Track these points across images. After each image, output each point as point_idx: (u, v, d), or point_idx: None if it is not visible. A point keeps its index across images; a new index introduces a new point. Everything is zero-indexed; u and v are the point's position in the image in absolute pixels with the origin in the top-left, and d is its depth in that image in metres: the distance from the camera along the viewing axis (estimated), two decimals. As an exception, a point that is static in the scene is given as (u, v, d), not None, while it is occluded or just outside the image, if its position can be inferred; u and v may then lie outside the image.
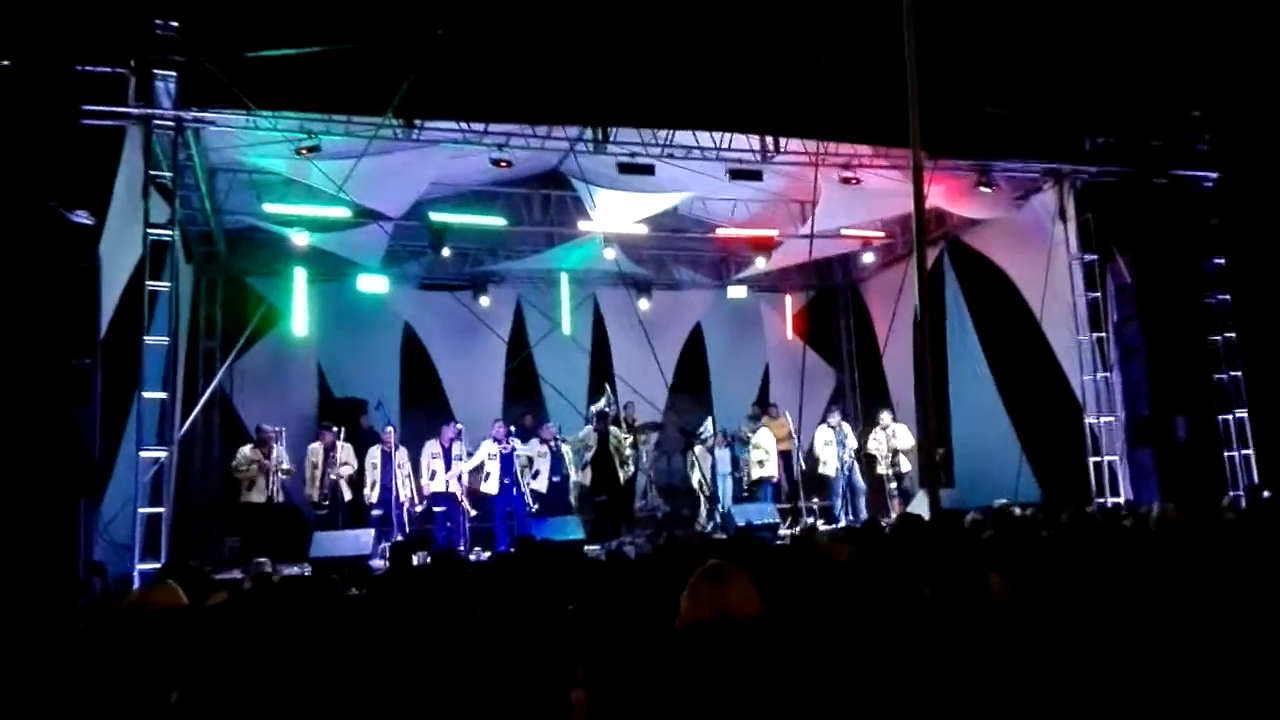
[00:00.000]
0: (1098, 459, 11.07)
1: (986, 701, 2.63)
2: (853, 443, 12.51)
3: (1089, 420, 11.15)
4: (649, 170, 10.13)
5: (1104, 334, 11.22)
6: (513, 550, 7.77)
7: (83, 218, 8.13)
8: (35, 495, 7.78)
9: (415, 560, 7.81)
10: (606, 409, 12.08)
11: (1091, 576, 3.71)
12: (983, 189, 10.94)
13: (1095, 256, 11.28)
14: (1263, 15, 10.22)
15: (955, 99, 9.79)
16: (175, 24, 8.16)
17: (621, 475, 11.83)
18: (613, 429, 11.88)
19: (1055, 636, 3.04)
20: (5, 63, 7.99)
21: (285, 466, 10.62)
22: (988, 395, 12.66)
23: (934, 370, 9.90)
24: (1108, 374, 11.17)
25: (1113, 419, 11.11)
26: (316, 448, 10.93)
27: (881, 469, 12.46)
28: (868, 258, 13.88)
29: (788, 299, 15.10)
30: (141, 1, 8.17)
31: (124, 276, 8.47)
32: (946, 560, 3.99)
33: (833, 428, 12.57)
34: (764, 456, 12.39)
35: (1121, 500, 10.75)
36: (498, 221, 11.85)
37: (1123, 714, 2.71)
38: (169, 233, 8.66)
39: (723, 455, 12.52)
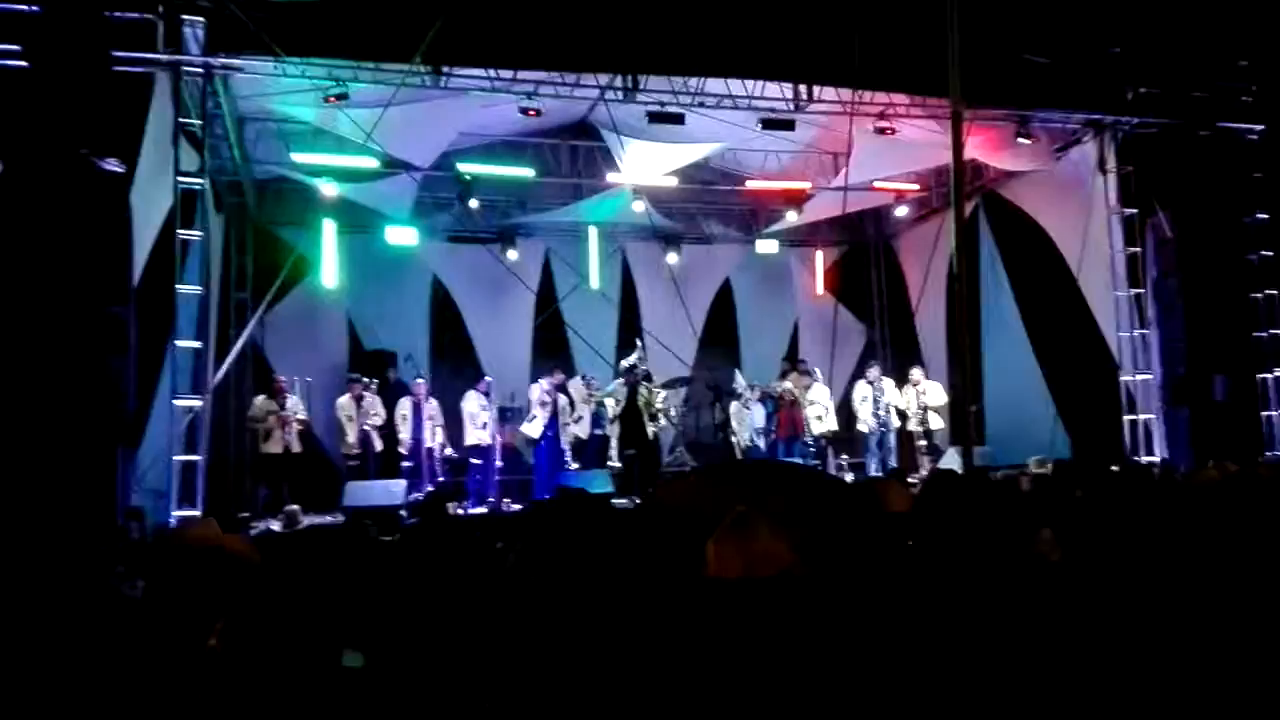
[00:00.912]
0: (1133, 417, 10.92)
1: (1043, 665, 2.57)
2: (891, 399, 12.33)
3: (1125, 378, 10.99)
4: (679, 119, 9.97)
5: (1142, 290, 11.01)
6: (550, 500, 7.81)
7: (113, 165, 8.11)
8: (73, 442, 7.87)
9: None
10: (636, 364, 12.03)
11: (1138, 533, 3.63)
12: (1021, 140, 10.69)
13: (1135, 211, 11.01)
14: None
15: (994, 47, 9.52)
16: (204, -32, 8.07)
17: (650, 430, 11.82)
18: (643, 384, 11.84)
19: (1107, 595, 2.98)
20: (35, 8, 7.94)
21: (300, 416, 10.63)
22: (1021, 352, 12.49)
23: (969, 326, 9.79)
24: (1145, 331, 10.98)
25: (1149, 376, 10.93)
26: (346, 400, 10.98)
27: (912, 425, 12.34)
28: (901, 211, 13.66)
29: (819, 254, 14.94)
30: (169, -55, 8.08)
31: (156, 225, 8.47)
32: (987, 516, 3.92)
33: (870, 383, 12.41)
34: (821, 412, 12.28)
35: (1156, 459, 10.62)
36: (526, 172, 11.75)
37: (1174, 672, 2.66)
38: (199, 181, 8.63)
39: (758, 410, 12.45)
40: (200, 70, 8.43)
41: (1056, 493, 5.15)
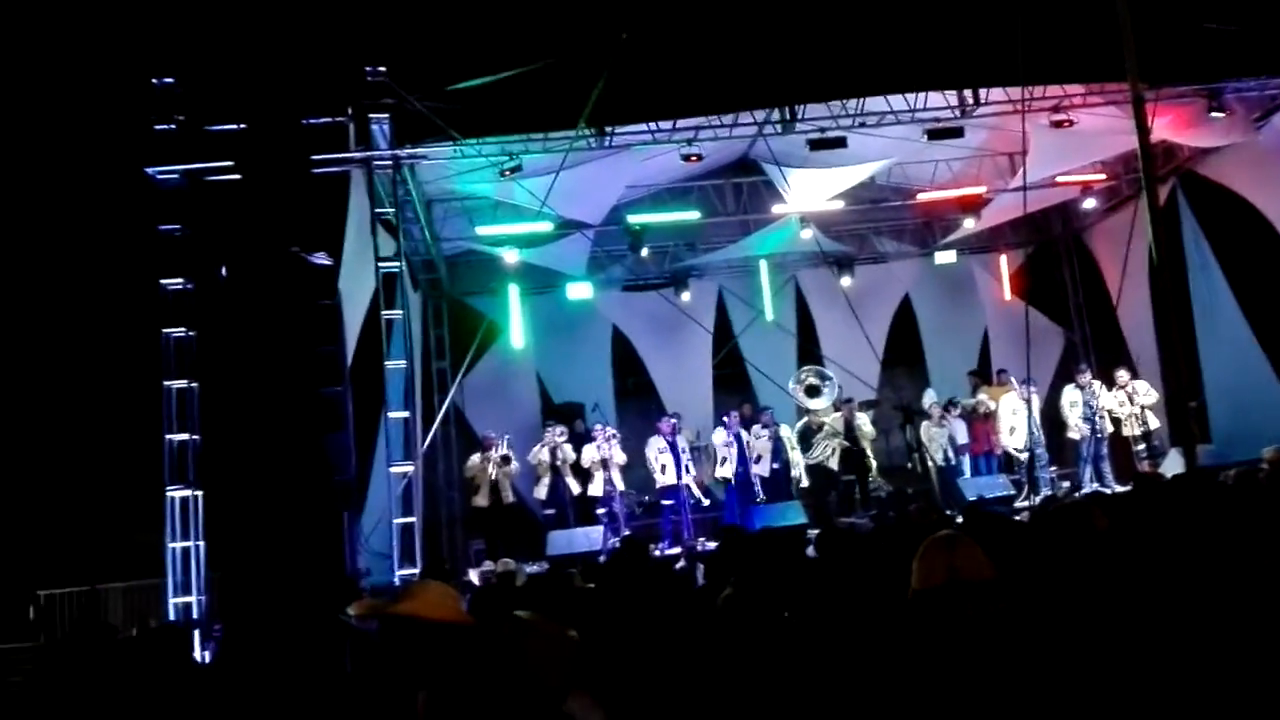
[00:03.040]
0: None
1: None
2: (1104, 403, 11.42)
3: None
4: (841, 143, 9.88)
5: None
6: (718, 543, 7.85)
7: (322, 259, 8.94)
8: (302, 515, 8.63)
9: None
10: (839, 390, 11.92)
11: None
12: (1214, 114, 9.93)
13: (1359, 171, 10.02)
14: None
15: (1171, 20, 8.96)
16: (383, 69, 8.78)
17: (868, 458, 11.70)
18: (859, 413, 11.74)
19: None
20: (241, 125, 8.89)
21: (500, 458, 10.89)
22: (1242, 339, 11.47)
23: (1178, 317, 9.10)
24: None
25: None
26: (539, 448, 11.36)
27: (1127, 430, 11.49)
28: (1089, 204, 12.91)
29: (1003, 258, 14.32)
30: (351, 52, 8.86)
31: (362, 308, 9.22)
32: (1213, 524, 3.66)
33: (1081, 388, 11.53)
34: (1014, 424, 11.67)
35: None
36: (693, 215, 11.94)
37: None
38: (396, 264, 9.32)
39: (959, 427, 12.01)
40: (389, 162, 9.14)
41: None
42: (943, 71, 9.58)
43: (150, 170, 8.82)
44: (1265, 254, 10.81)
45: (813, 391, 11.80)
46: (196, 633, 8.03)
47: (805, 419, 11.88)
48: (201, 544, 8.78)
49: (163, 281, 8.95)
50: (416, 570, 8.61)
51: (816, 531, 9.30)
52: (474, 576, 9.54)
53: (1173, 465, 9.96)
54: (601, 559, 9.45)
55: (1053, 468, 12.01)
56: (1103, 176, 12.13)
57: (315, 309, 8.64)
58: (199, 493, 8.84)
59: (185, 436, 8.86)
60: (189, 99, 8.74)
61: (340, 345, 8.77)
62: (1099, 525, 3.07)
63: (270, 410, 9.67)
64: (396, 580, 8.60)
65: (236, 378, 9.48)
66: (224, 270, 9.13)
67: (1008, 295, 14.11)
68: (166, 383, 8.86)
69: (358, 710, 2.78)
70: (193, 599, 8.68)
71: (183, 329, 8.93)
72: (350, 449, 9.07)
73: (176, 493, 8.76)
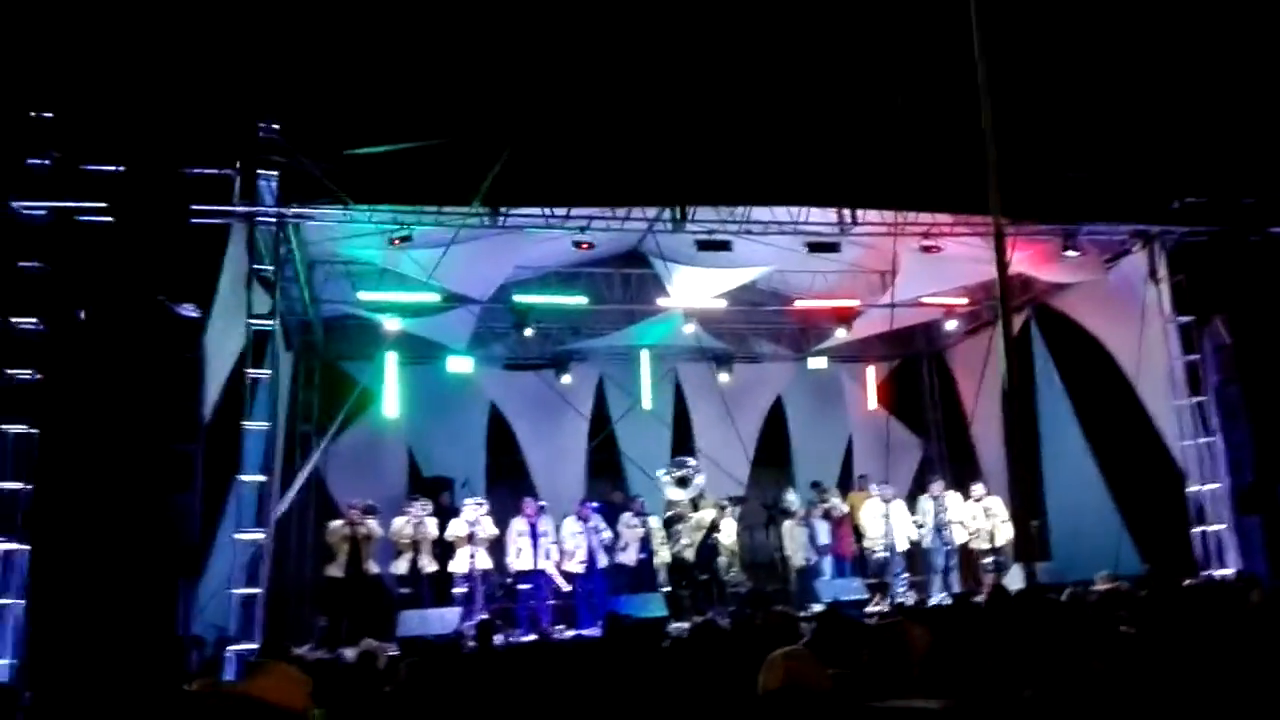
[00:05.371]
0: (1202, 529, 10.58)
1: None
2: (954, 515, 12.09)
3: (1191, 488, 10.70)
4: (726, 246, 10.25)
5: (1204, 398, 10.81)
6: (602, 630, 7.77)
7: (189, 310, 8.60)
8: (136, 573, 8.10)
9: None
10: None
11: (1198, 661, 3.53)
12: (1069, 253, 10.75)
13: (1191, 318, 10.94)
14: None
15: (1035, 164, 9.73)
16: (276, 126, 8.67)
17: (722, 555, 11.80)
18: (727, 515, 11.87)
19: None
20: (119, 167, 8.59)
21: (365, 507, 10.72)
22: (1084, 464, 12.24)
23: (1025, 439, 9.67)
24: (1210, 439, 10.72)
25: (1217, 486, 10.62)
26: (402, 522, 11.02)
27: (976, 543, 12.06)
28: (951, 325, 13.70)
29: (870, 369, 14.95)
30: (246, 106, 8.72)
31: (228, 365, 8.88)
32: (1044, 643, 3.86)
33: (934, 499, 12.22)
34: (875, 529, 12.08)
35: (1230, 572, 10.23)
36: (579, 301, 12.07)
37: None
38: (270, 323, 9.05)
39: (821, 527, 12.29)
40: (274, 220, 8.96)
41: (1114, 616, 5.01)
42: (825, 190, 10.09)
43: (16, 204, 8.40)
44: (1108, 385, 11.63)
45: (683, 483, 11.91)
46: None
47: (672, 510, 11.95)
48: (22, 603, 8.14)
49: (13, 320, 8.46)
50: (255, 645, 8.16)
51: (677, 625, 9.34)
52: (307, 655, 9.07)
53: (1014, 580, 10.42)
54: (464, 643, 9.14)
55: (906, 574, 12.42)
56: (964, 301, 12.90)
57: (176, 361, 8.28)
58: (25, 547, 8.23)
59: (17, 485, 8.28)
60: (67, 135, 8.42)
61: (199, 401, 8.41)
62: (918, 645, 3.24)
63: (114, 463, 9.12)
64: (229, 655, 8.11)
65: (81, 426, 8.93)
66: (82, 313, 8.68)
67: (872, 404, 14.70)
68: (2, 425, 8.29)
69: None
70: (6, 662, 7.98)
71: (29, 371, 8.41)
72: (196, 512, 8.62)
73: (-1, 545, 8.13)
